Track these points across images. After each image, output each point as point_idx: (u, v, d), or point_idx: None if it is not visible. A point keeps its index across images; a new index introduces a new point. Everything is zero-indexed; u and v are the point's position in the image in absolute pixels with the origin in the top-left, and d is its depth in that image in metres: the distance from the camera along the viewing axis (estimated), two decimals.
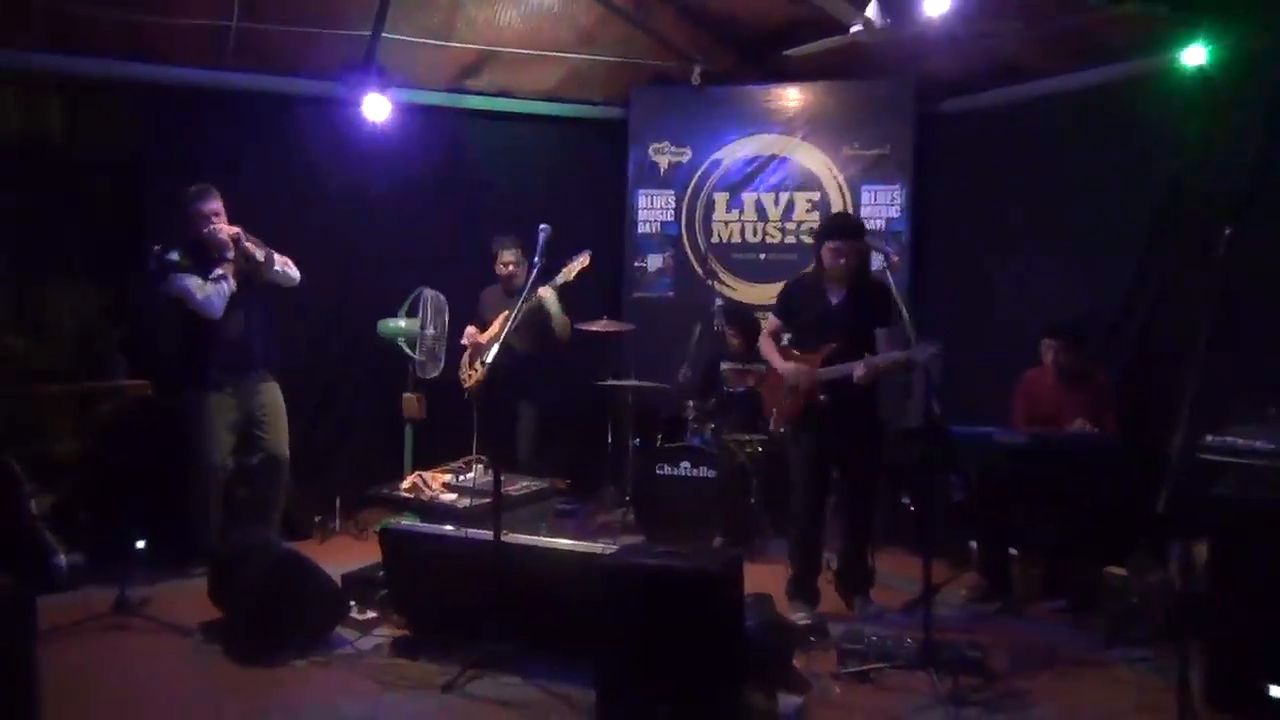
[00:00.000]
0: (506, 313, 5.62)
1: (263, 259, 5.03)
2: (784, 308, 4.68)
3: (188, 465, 5.06)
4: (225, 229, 4.96)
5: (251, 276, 5.07)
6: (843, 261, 4.39)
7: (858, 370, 4.29)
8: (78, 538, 4.98)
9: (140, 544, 5.04)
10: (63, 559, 4.82)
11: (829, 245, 4.43)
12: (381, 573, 4.36)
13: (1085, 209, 5.79)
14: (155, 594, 4.64)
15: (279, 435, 5.20)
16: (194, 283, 4.90)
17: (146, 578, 4.80)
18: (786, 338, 4.76)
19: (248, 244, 5.00)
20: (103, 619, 4.24)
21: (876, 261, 4.66)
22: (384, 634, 4.21)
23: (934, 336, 4.00)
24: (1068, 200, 5.88)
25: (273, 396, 5.21)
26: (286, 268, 5.14)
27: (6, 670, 2.39)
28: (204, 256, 4.96)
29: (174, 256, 4.91)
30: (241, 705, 3.51)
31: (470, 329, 5.93)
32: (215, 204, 4.98)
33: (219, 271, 4.94)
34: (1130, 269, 5.57)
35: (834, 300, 4.50)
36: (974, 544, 5.05)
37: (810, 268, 4.65)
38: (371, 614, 4.32)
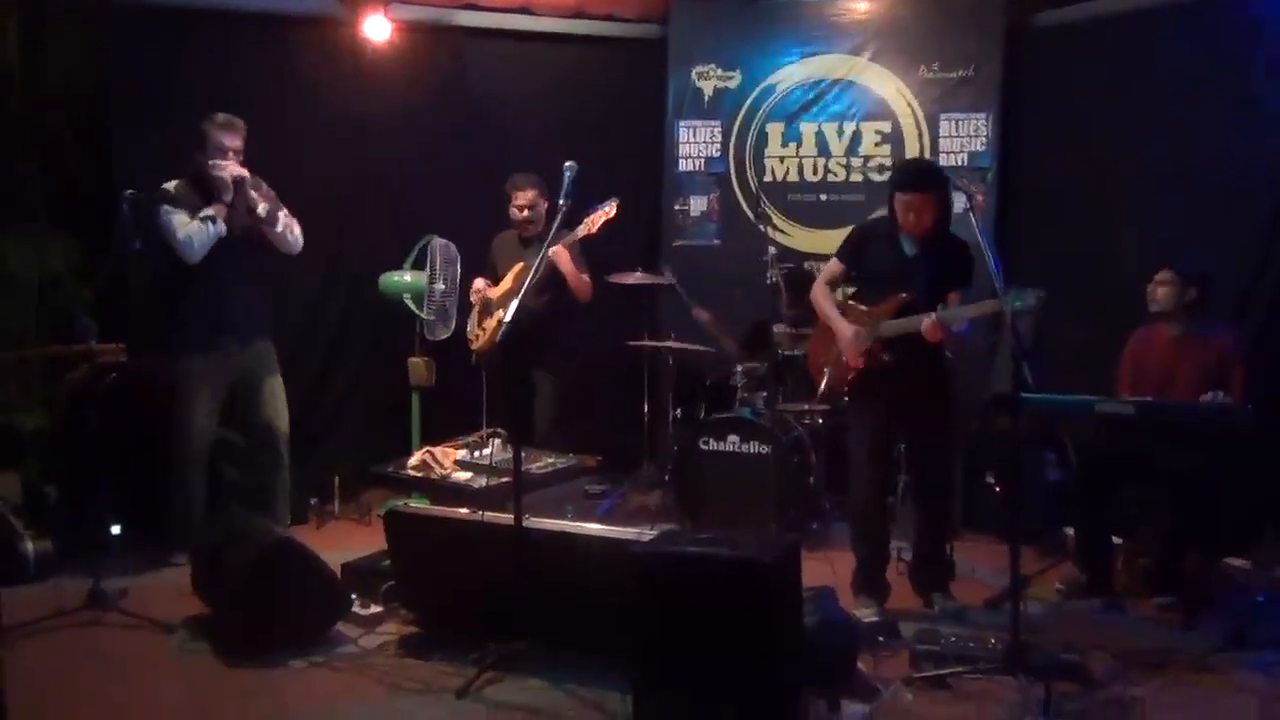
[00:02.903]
0: (521, 265, 5.62)
1: (263, 215, 5.09)
2: (852, 252, 4.64)
3: (167, 438, 5.14)
4: (230, 169, 5.04)
5: (254, 229, 5.13)
6: (912, 217, 4.35)
7: (926, 321, 4.26)
8: (47, 522, 5.08)
9: (116, 529, 5.13)
10: (30, 546, 4.92)
11: (900, 198, 4.38)
12: (387, 562, 4.41)
13: (1211, 142, 5.67)
14: (133, 585, 4.73)
15: (274, 410, 5.26)
16: (178, 219, 4.98)
17: (123, 567, 4.88)
18: (841, 292, 4.73)
19: (252, 192, 5.06)
20: (76, 614, 4.31)
21: (959, 203, 4.60)
22: (390, 631, 4.27)
23: (1031, 284, 3.93)
24: (1189, 132, 5.76)
25: (268, 364, 5.28)
26: (289, 232, 5.20)
27: None
28: (207, 193, 5.04)
29: (169, 186, 5.01)
30: (232, 711, 3.57)
31: (479, 281, 5.91)
32: (234, 140, 5.07)
33: (209, 211, 5.01)
34: (1265, 217, 5.45)
35: (909, 251, 4.46)
36: (1070, 531, 5.02)
37: (883, 211, 4.60)
38: (376, 609, 4.37)
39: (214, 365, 5.14)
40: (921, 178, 4.40)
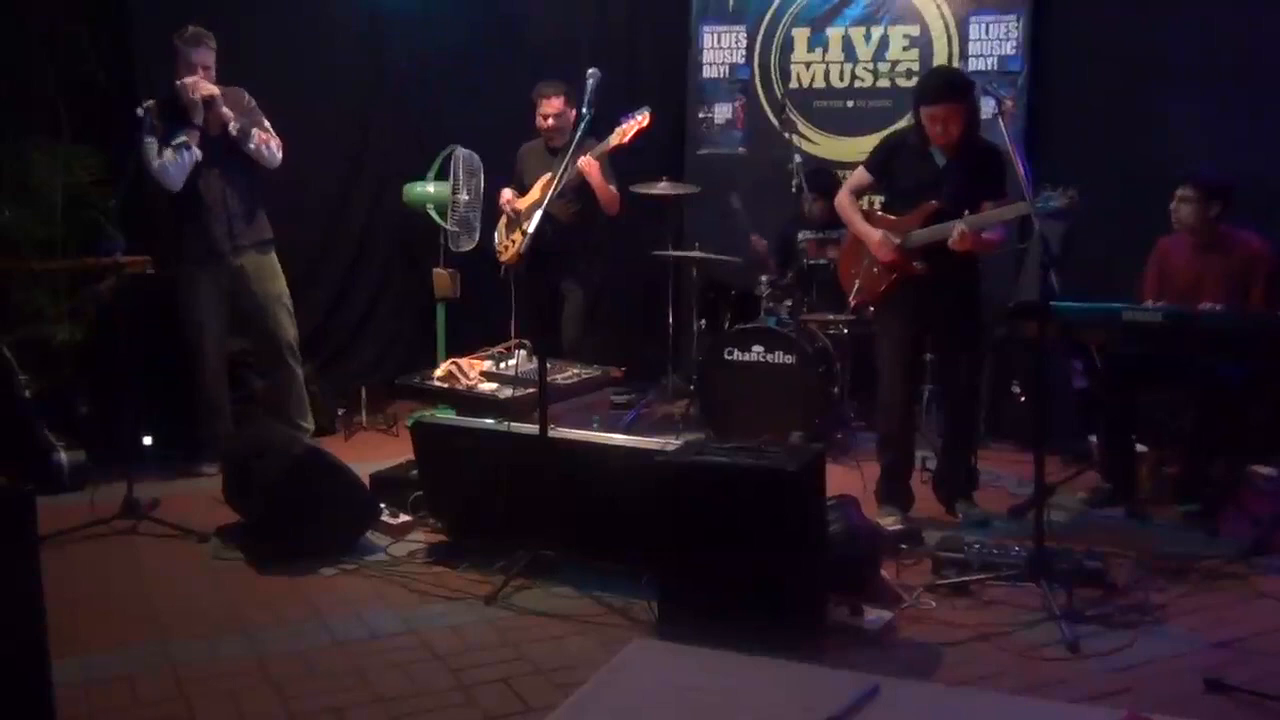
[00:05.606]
0: (549, 175, 5.56)
1: (234, 133, 4.98)
2: (880, 163, 4.55)
3: (184, 351, 5.20)
4: (200, 88, 4.92)
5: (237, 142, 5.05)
6: (939, 129, 4.26)
7: (955, 230, 4.19)
8: (78, 433, 5.13)
9: (147, 440, 5.18)
10: (63, 457, 4.97)
11: (925, 111, 4.28)
12: (414, 472, 4.44)
13: (1248, 41, 5.50)
14: (165, 495, 4.79)
15: (275, 321, 5.23)
16: (153, 148, 4.92)
17: (155, 477, 4.96)
18: (867, 200, 4.68)
19: (224, 109, 4.96)
20: (110, 523, 4.38)
21: (987, 108, 4.50)
22: (419, 540, 4.32)
23: (1064, 185, 3.86)
24: (1232, 33, 5.60)
25: (264, 274, 5.23)
26: (264, 148, 5.08)
27: (6, 580, 2.47)
28: (182, 113, 4.96)
29: (140, 111, 4.92)
30: (265, 617, 3.63)
31: (506, 192, 5.87)
32: (203, 55, 4.94)
33: (181, 138, 4.92)
34: None
35: (940, 162, 4.38)
36: (1095, 439, 5.00)
37: (910, 122, 4.51)
38: (405, 518, 4.42)
39: (209, 277, 5.13)
40: (945, 89, 4.28)
